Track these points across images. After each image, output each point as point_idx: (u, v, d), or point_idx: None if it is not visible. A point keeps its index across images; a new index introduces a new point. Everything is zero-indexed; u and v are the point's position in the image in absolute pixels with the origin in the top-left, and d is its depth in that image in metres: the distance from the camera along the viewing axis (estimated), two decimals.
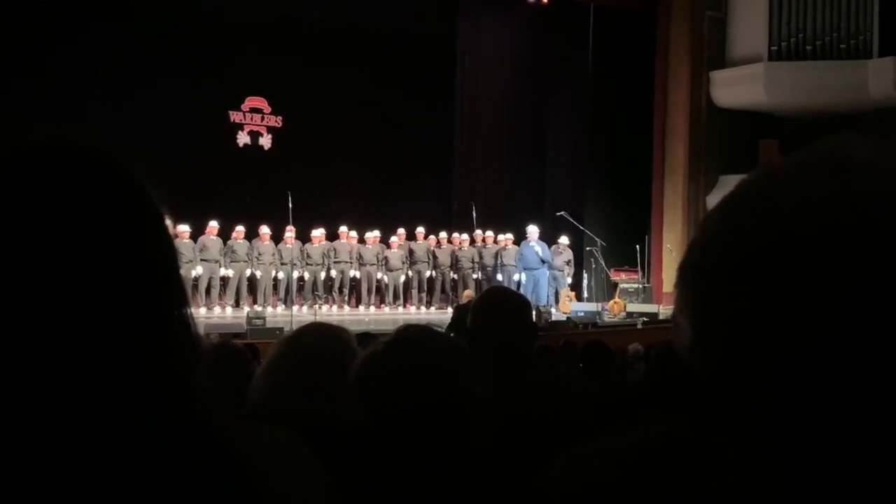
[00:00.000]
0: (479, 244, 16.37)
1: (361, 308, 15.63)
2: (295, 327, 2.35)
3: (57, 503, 0.65)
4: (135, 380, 0.68)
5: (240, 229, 14.59)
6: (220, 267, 14.43)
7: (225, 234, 14.53)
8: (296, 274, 14.87)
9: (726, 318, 0.59)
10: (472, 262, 16.11)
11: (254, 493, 0.75)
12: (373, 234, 15.74)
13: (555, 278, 15.72)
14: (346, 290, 15.70)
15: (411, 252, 16.05)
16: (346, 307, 15.69)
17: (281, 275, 14.85)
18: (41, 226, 0.66)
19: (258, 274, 14.67)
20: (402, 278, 15.97)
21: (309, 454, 0.95)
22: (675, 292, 0.63)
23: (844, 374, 0.54)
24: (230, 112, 16.75)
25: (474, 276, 15.97)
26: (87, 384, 0.66)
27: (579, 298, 15.85)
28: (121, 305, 0.69)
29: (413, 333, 1.59)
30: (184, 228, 13.61)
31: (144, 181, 0.75)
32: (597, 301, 15.20)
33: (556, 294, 15.61)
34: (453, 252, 16.25)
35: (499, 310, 2.48)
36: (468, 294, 13.34)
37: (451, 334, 1.83)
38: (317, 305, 14.83)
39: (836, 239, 0.55)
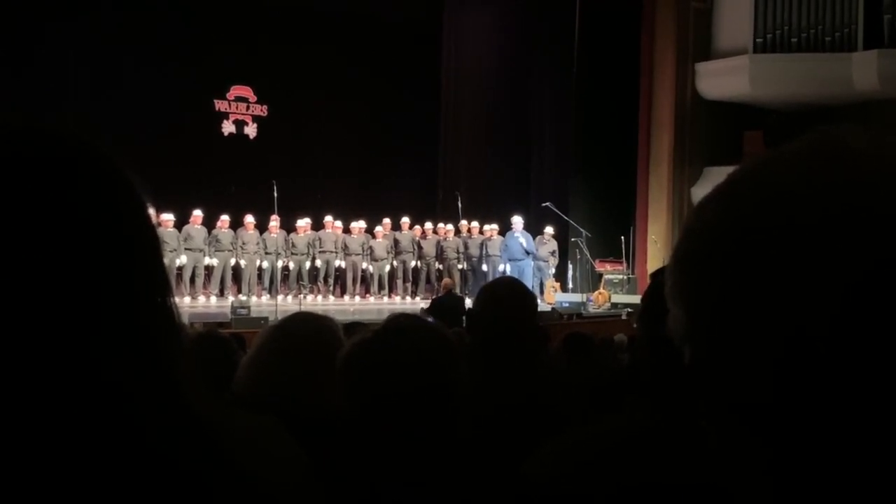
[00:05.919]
0: (464, 234, 16.37)
1: (346, 298, 15.61)
2: (280, 317, 2.35)
3: (39, 497, 0.63)
4: (116, 369, 0.67)
5: (224, 218, 14.54)
6: (204, 256, 14.37)
7: (209, 223, 14.49)
8: (280, 263, 14.85)
9: (720, 308, 0.58)
10: (457, 252, 16.12)
11: (236, 480, 0.74)
12: (358, 224, 15.73)
13: (539, 269, 15.75)
14: (331, 280, 15.68)
15: (396, 242, 16.04)
16: (331, 297, 15.67)
17: (265, 264, 14.82)
18: (15, 214, 0.65)
19: (243, 263, 14.64)
20: (387, 268, 15.96)
21: (290, 441, 0.94)
22: (668, 279, 0.63)
23: (840, 368, 0.53)
24: (215, 101, 16.66)
25: (459, 266, 15.98)
26: (66, 374, 0.65)
27: (564, 289, 15.87)
28: (101, 294, 0.68)
29: (403, 323, 1.58)
30: (168, 217, 13.53)
31: (124, 168, 0.73)
32: (582, 292, 15.21)
33: (541, 285, 15.62)
34: (438, 242, 16.25)
35: (506, 301, 2.47)
36: (447, 283, 13.29)
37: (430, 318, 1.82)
38: (301, 295, 14.81)
39: (836, 230, 0.54)
